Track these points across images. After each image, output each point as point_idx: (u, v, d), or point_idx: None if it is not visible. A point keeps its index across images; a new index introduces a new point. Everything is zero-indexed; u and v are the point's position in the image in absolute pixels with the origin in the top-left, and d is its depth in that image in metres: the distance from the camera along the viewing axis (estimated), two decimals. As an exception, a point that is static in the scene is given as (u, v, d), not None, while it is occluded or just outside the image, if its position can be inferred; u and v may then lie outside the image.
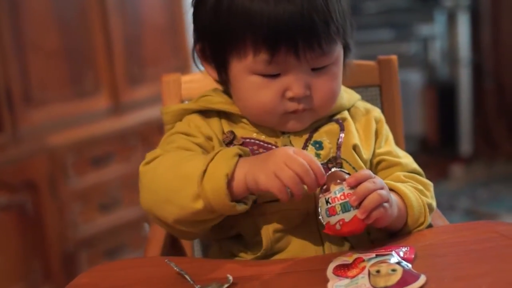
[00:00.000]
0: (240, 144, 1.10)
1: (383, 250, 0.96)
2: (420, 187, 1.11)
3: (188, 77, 1.35)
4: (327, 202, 0.96)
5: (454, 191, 3.59)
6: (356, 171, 1.08)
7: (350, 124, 1.15)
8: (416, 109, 4.08)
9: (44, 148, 2.44)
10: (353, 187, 0.96)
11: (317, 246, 1.06)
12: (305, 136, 1.11)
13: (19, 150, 2.39)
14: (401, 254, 0.94)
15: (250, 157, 1.02)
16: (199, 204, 0.98)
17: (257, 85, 1.06)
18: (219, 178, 0.96)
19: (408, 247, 0.97)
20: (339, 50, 1.09)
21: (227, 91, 1.16)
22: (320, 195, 0.97)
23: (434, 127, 4.15)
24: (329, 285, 0.89)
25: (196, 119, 1.13)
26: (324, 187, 0.97)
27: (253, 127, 1.12)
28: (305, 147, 1.10)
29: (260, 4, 1.01)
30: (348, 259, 0.95)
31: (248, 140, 1.11)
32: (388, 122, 1.22)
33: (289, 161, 0.95)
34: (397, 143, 1.22)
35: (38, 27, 2.47)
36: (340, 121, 1.14)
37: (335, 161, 1.09)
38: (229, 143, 1.10)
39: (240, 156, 0.99)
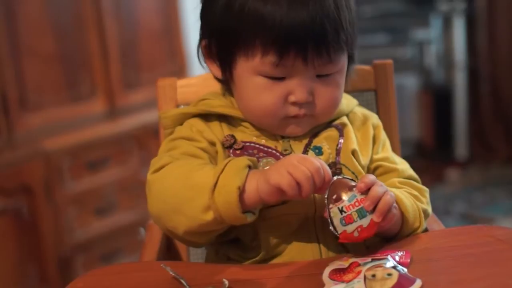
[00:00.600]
0: (240, 148, 1.10)
1: (379, 255, 0.96)
2: (416, 193, 1.11)
3: (184, 81, 1.35)
4: (341, 211, 0.96)
5: (450, 195, 3.59)
6: (356, 176, 1.09)
7: (349, 130, 1.15)
8: (412, 113, 4.08)
9: (39, 152, 2.43)
10: (364, 192, 0.97)
11: (314, 250, 1.07)
12: (305, 141, 1.12)
13: (15, 154, 2.39)
14: (397, 258, 0.95)
15: (260, 169, 1.02)
16: (209, 216, 0.98)
17: (261, 86, 1.06)
18: (231, 191, 0.96)
19: (404, 252, 0.97)
20: (344, 60, 1.10)
21: (227, 91, 1.16)
22: (331, 206, 0.97)
23: (430, 131, 4.16)
24: (325, 289, 0.89)
25: (198, 123, 1.13)
26: (334, 196, 0.97)
27: (253, 131, 1.12)
28: (305, 152, 1.11)
29: (273, 7, 1.02)
30: (344, 263, 0.95)
31: (248, 143, 1.11)
32: (384, 126, 1.22)
33: (302, 160, 0.96)
34: (393, 147, 1.22)
35: (34, 32, 2.47)
36: (340, 126, 1.15)
37: (335, 166, 1.09)
38: (229, 147, 1.10)
39: (249, 167, 1.00)
